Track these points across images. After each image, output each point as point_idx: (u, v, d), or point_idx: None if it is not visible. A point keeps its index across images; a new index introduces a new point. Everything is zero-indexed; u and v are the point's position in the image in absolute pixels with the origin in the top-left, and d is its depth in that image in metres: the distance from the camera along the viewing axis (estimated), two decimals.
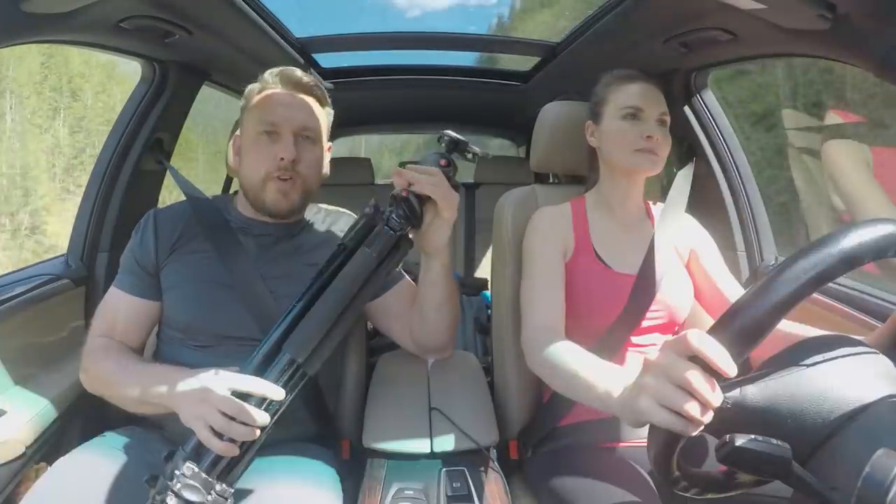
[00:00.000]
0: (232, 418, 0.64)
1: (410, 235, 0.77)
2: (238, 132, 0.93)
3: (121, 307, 0.88)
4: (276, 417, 0.68)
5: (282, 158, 0.85)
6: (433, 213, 0.77)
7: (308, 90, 0.91)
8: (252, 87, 0.92)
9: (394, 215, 0.73)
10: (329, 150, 0.96)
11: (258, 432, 0.66)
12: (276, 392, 0.66)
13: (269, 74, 0.91)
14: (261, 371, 0.68)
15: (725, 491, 0.53)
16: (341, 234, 0.88)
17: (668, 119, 0.93)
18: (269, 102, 0.88)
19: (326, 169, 0.94)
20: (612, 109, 0.94)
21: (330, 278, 0.72)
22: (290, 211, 0.90)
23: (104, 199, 1.22)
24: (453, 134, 0.79)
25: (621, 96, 0.94)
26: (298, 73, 0.91)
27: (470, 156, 0.80)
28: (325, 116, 0.94)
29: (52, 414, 0.94)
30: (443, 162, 0.77)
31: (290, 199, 0.87)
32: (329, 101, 0.95)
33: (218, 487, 0.63)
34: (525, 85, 2.00)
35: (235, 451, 0.65)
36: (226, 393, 0.65)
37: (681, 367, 0.46)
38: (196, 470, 0.63)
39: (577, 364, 0.72)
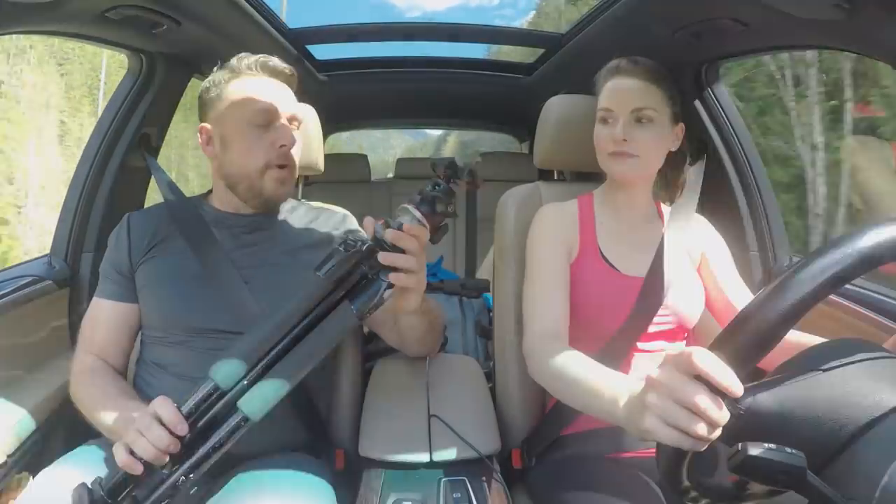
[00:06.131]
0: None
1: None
2: (207, 122, 0.88)
3: (103, 315, 0.88)
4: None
5: (282, 146, 0.84)
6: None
7: (289, 81, 0.90)
8: (219, 77, 0.87)
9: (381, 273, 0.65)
10: None
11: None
12: (181, 427, 0.63)
13: (243, 63, 0.87)
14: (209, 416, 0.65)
15: (737, 501, 0.50)
16: (322, 230, 0.91)
17: (647, 113, 0.86)
18: (256, 92, 0.85)
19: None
20: (597, 111, 0.91)
21: (302, 319, 0.66)
22: (285, 199, 0.91)
23: (89, 197, 1.18)
24: (454, 160, 0.68)
25: (601, 98, 0.91)
26: (276, 60, 0.89)
27: (451, 209, 0.68)
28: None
29: (35, 421, 0.91)
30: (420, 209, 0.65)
31: (287, 186, 0.88)
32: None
33: None
34: (528, 78, 1.96)
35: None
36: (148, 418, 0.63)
37: (685, 387, 0.45)
38: None
39: (580, 374, 0.69)
